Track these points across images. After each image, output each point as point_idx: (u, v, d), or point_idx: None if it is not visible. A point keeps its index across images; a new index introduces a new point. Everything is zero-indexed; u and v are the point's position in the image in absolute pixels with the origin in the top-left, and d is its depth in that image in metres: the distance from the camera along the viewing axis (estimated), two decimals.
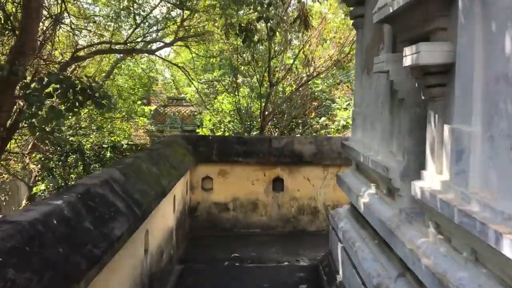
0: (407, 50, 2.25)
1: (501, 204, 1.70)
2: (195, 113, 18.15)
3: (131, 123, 16.04)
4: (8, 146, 9.35)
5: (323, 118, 15.52)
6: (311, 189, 6.79)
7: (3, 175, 13.03)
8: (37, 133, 5.99)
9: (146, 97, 19.56)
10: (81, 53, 10.67)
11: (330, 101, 16.48)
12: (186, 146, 6.64)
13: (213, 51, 14.24)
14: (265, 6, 7.58)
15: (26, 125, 6.40)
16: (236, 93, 14.02)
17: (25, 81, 6.13)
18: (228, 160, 6.76)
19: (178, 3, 10.92)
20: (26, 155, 12.19)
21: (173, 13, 12.62)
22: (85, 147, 13.42)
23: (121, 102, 14.80)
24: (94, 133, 14.01)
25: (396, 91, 2.83)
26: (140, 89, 16.89)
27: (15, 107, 7.61)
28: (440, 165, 2.25)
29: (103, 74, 13.79)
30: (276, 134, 14.55)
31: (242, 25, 8.00)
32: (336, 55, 12.96)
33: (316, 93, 15.60)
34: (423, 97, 2.40)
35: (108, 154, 13.66)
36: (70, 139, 12.76)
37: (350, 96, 17.02)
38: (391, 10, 2.47)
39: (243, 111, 14.25)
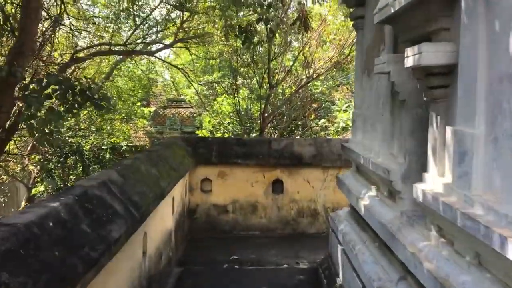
0: (409, 51, 2.22)
1: (505, 207, 1.67)
2: (195, 114, 18.12)
3: (131, 125, 15.99)
4: (7, 147, 9.32)
5: (322, 120, 15.51)
6: (311, 191, 6.76)
7: (2, 176, 12.98)
8: (36, 135, 5.96)
9: (145, 98, 19.54)
10: (81, 55, 10.64)
11: (329, 103, 16.47)
12: (186, 147, 6.60)
13: (213, 52, 14.22)
14: (265, 7, 7.57)
15: (25, 126, 6.37)
16: (236, 95, 14.00)
17: (24, 82, 6.10)
18: (227, 162, 6.72)
19: (177, 4, 10.90)
20: (25, 156, 12.15)
21: (173, 15, 12.60)
22: (85, 148, 13.40)
23: (121, 103, 14.77)
24: (94, 134, 13.97)
25: (397, 93, 2.80)
26: (140, 91, 16.86)
27: (14, 108, 7.59)
28: (442, 167, 2.22)
29: (103, 76, 13.76)
30: (275, 136, 14.52)
31: (242, 26, 7.98)
32: (336, 57, 12.94)
33: (315, 95, 15.58)
34: (425, 99, 2.37)
35: (108, 156, 13.63)
36: (69, 140, 12.73)
37: (350, 98, 17.01)
38: (392, 11, 2.44)
39: (243, 112, 14.23)
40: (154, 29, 12.72)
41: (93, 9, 13.19)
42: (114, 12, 11.99)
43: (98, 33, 12.02)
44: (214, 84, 16.22)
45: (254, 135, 13.99)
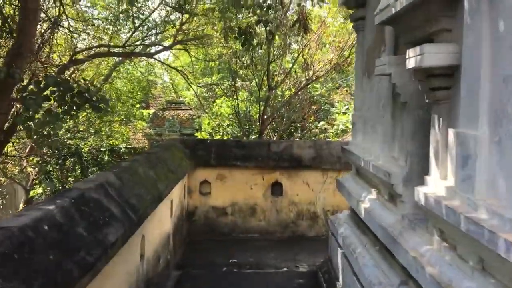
0: (411, 52, 2.19)
1: (510, 212, 1.63)
2: (194, 116, 18.12)
3: (130, 127, 15.97)
4: (5, 149, 9.28)
5: (322, 122, 15.49)
6: (310, 194, 6.72)
7: (0, 178, 12.94)
8: (34, 137, 5.92)
9: (145, 100, 19.51)
10: (80, 56, 10.61)
11: (329, 105, 16.47)
12: (184, 150, 6.56)
13: (212, 54, 14.20)
14: (265, 9, 7.54)
15: (23, 128, 6.33)
16: (235, 97, 13.98)
17: (23, 84, 6.07)
18: (226, 164, 6.68)
19: (177, 6, 10.88)
20: (23, 158, 12.11)
21: (172, 17, 12.59)
22: (83, 150, 13.37)
23: (120, 105, 14.74)
24: (92, 136, 13.94)
25: (398, 94, 2.76)
26: (139, 93, 16.84)
27: (12, 110, 7.55)
28: (445, 170, 2.18)
29: (102, 77, 13.73)
30: (275, 138, 14.49)
31: (241, 28, 7.95)
32: (336, 59, 12.93)
33: (315, 97, 15.56)
34: (426, 100, 2.33)
35: (106, 158, 13.62)
36: (68, 142, 12.69)
37: (349, 100, 17.01)
38: (393, 11, 2.40)
39: (242, 115, 14.20)
40: (153, 31, 12.70)
41: (92, 11, 13.15)
42: (113, 13, 11.96)
43: (97, 35, 11.99)
44: (213, 86, 16.19)
45: (253, 137, 13.96)
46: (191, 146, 6.75)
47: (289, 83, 14.19)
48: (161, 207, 4.37)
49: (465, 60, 1.96)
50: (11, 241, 2.00)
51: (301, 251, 6.01)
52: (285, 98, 14.05)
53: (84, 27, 11.47)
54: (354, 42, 12.28)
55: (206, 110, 15.75)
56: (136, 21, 11.70)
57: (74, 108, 5.61)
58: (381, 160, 3.23)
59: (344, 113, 15.38)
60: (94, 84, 9.08)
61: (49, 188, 13.13)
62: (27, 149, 12.02)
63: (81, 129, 13.50)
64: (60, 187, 12.79)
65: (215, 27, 11.33)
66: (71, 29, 9.99)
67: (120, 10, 11.32)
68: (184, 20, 12.14)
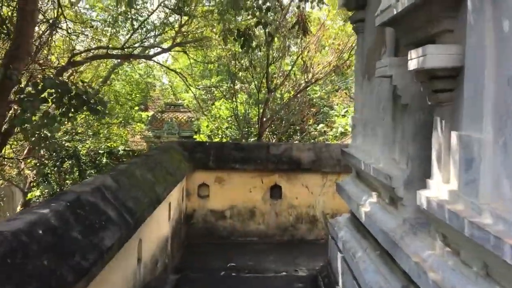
0: (413, 53, 2.14)
1: None
2: (193, 119, 18.07)
3: (128, 129, 15.91)
4: (3, 151, 9.22)
5: (321, 125, 15.46)
6: (310, 197, 6.67)
7: None
8: (31, 139, 5.87)
9: (143, 102, 19.47)
10: (78, 58, 10.57)
11: (328, 108, 16.44)
12: (183, 152, 6.52)
13: (211, 57, 14.17)
14: (264, 11, 7.52)
15: (19, 130, 6.29)
16: (234, 99, 13.94)
17: (20, 85, 6.03)
18: (225, 166, 6.64)
19: (176, 8, 10.85)
20: (21, 160, 12.04)
21: (171, 19, 12.55)
22: (81, 152, 13.31)
23: (118, 107, 14.69)
24: (91, 138, 13.88)
25: (399, 96, 2.72)
26: (138, 95, 16.80)
27: (10, 111, 7.50)
28: (447, 173, 2.14)
29: (100, 80, 13.68)
30: (274, 141, 14.45)
31: (240, 30, 7.92)
32: (335, 61, 12.90)
33: (314, 100, 15.54)
34: (429, 102, 2.29)
35: (104, 160, 13.56)
36: (66, 144, 12.64)
37: (348, 103, 16.98)
38: (395, 12, 2.37)
39: (241, 117, 14.16)
40: (152, 33, 12.66)
41: (90, 13, 13.11)
42: (111, 15, 11.93)
43: (96, 37, 11.95)
44: (212, 88, 16.16)
45: (252, 139, 13.92)
46: (190, 148, 6.70)
47: (288, 86, 14.16)
48: (159, 210, 4.32)
49: (469, 61, 1.92)
50: (4, 246, 1.96)
51: (301, 255, 5.96)
52: (284, 100, 14.02)
53: (83, 29, 11.44)
54: (353, 45, 12.26)
55: (205, 113, 15.71)
56: (134, 23, 11.67)
57: (72, 110, 5.58)
58: (381, 163, 3.19)
59: (343, 115, 15.35)
60: (93, 86, 9.05)
61: (46, 190, 13.06)
62: (25, 152, 11.96)
63: (79, 131, 13.45)
64: (58, 190, 12.72)
65: (214, 29, 11.29)
66: (69, 31, 9.95)
67: (119, 12, 11.29)
68: (183, 22, 12.10)
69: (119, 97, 14.94)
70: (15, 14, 6.95)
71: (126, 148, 15.51)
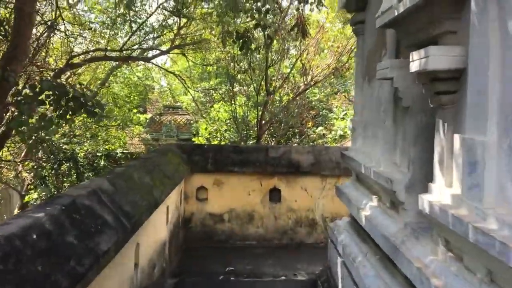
0: (415, 55, 2.11)
1: None
2: (191, 121, 18.03)
3: (126, 132, 15.86)
4: (0, 153, 9.17)
5: (320, 128, 15.43)
6: (309, 200, 6.62)
7: None
8: (27, 141, 5.82)
9: (142, 105, 19.43)
10: (76, 60, 10.53)
11: (327, 111, 16.42)
12: (181, 155, 6.47)
13: (210, 59, 14.14)
14: (263, 13, 7.49)
15: (15, 132, 6.24)
16: (233, 102, 13.90)
17: (18, 88, 5.98)
18: (223, 169, 6.58)
19: (174, 10, 10.82)
20: (18, 163, 11.99)
21: (170, 21, 12.53)
22: (79, 155, 13.24)
23: (117, 110, 14.65)
24: (88, 141, 13.82)
25: (400, 99, 2.68)
26: (136, 97, 16.76)
27: (8, 114, 7.45)
28: (450, 177, 2.10)
29: (99, 82, 13.64)
30: (272, 144, 14.41)
31: (239, 32, 7.89)
32: (334, 64, 12.88)
33: (313, 103, 15.51)
34: (431, 105, 2.25)
35: (102, 163, 13.50)
36: (63, 147, 12.58)
37: (347, 105, 16.96)
38: (396, 14, 2.33)
39: (240, 120, 14.12)
40: (151, 35, 12.64)
41: (89, 15, 13.09)
42: (110, 17, 11.89)
43: (94, 39, 11.92)
44: (211, 91, 16.13)
45: (251, 142, 13.88)
46: (188, 151, 6.65)
47: (287, 88, 14.13)
48: (156, 213, 4.27)
49: (472, 63, 1.89)
50: None
51: (300, 259, 5.90)
52: (283, 103, 13.98)
53: (81, 31, 11.40)
54: (352, 47, 12.26)
55: (204, 115, 15.67)
56: (133, 25, 11.64)
57: (69, 112, 5.53)
58: (382, 166, 3.15)
59: (342, 118, 15.32)
60: (91, 88, 8.99)
61: (44, 193, 12.99)
62: (23, 154, 11.90)
63: (77, 133, 13.40)
64: (56, 192, 12.66)
65: (213, 32, 11.27)
66: (67, 33, 9.91)
67: (117, 14, 11.25)
68: (181, 25, 12.08)
69: (118, 100, 14.90)
70: (12, 16, 6.90)
71: (124, 151, 15.46)
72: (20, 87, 6.19)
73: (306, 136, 15.41)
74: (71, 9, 11.05)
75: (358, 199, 3.67)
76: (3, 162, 10.97)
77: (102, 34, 12.13)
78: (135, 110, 17.10)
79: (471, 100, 1.89)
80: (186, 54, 13.02)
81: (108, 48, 11.55)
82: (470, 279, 1.88)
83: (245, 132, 14.50)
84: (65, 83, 6.75)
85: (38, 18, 8.15)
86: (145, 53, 12.85)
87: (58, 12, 8.31)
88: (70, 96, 5.38)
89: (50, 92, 5.35)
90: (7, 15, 7.62)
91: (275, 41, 11.06)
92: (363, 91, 3.94)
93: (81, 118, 11.81)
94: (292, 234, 6.64)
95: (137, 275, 3.76)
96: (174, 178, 5.37)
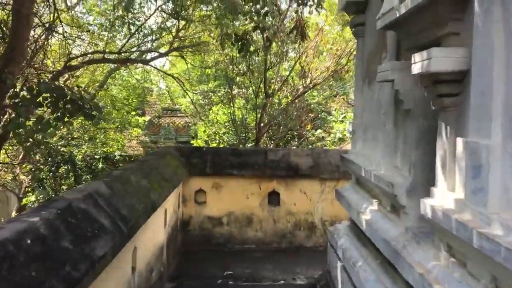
0: (417, 57, 2.07)
1: None
2: (190, 124, 18.00)
3: (125, 134, 15.81)
4: None
5: (319, 131, 15.40)
6: (308, 204, 6.58)
7: None
8: (24, 144, 5.78)
9: (140, 107, 19.38)
10: (74, 63, 10.48)
11: (326, 114, 16.39)
12: (179, 157, 6.42)
13: (209, 61, 14.11)
14: (262, 16, 7.46)
15: (12, 135, 6.19)
16: (232, 104, 13.86)
17: (15, 90, 5.93)
18: (222, 172, 6.54)
19: (173, 13, 10.79)
20: (16, 165, 11.92)
21: (168, 23, 12.50)
22: (77, 158, 13.19)
23: (115, 112, 14.60)
24: (87, 143, 13.76)
25: (401, 101, 2.64)
26: (134, 100, 16.72)
27: (5, 116, 7.40)
28: (453, 181, 2.06)
29: (97, 84, 13.60)
30: (271, 146, 14.37)
31: (238, 35, 7.87)
32: (333, 67, 12.86)
33: (312, 105, 15.48)
34: (433, 108, 2.21)
35: (100, 165, 13.44)
36: (61, 149, 12.52)
37: (346, 108, 16.94)
38: (397, 15, 2.30)
39: (238, 122, 14.08)
40: (149, 38, 12.60)
41: (87, 17, 13.04)
42: (108, 20, 11.86)
43: (92, 41, 11.87)
44: (210, 93, 16.09)
45: (249, 145, 13.83)
46: (187, 154, 6.61)
47: (286, 91, 14.09)
48: (154, 217, 4.23)
49: (476, 64, 1.85)
50: None
51: (299, 263, 5.86)
52: (282, 106, 13.94)
53: (79, 33, 11.36)
54: (351, 50, 12.24)
55: (202, 118, 15.63)
56: (131, 27, 11.60)
57: (67, 115, 5.48)
58: (382, 170, 3.11)
59: (341, 121, 15.30)
60: (89, 91, 8.96)
61: (42, 196, 12.93)
62: (20, 157, 11.84)
63: (75, 136, 13.34)
64: (53, 195, 12.59)
65: (212, 34, 11.24)
66: (65, 35, 9.86)
67: (116, 16, 11.22)
68: (180, 27, 12.05)
69: (116, 102, 14.85)
70: (10, 18, 6.86)
71: (123, 153, 15.40)
72: (17, 89, 6.15)
73: (305, 139, 15.37)
74: (69, 11, 11.02)
75: (358, 202, 3.63)
76: (0, 164, 10.91)
77: (101, 37, 12.08)
78: (133, 113, 17.05)
79: (475, 101, 1.85)
80: (184, 57, 12.98)
81: (107, 50, 11.49)
82: (474, 285, 1.84)
83: (244, 134, 14.45)
84: (63, 85, 6.70)
85: (36, 20, 8.10)
86: (144, 56, 12.82)
87: (56, 14, 8.26)
88: (67, 98, 5.34)
89: (48, 95, 5.30)
90: (5, 16, 7.58)
91: (274, 44, 11.04)
92: (363, 94, 3.91)
93: (79, 120, 11.77)
94: (291, 238, 6.59)
95: (135, 279, 3.71)
96: (172, 181, 5.32)
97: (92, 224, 2.74)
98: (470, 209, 1.82)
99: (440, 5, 1.99)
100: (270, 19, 8.29)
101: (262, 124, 13.09)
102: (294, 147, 14.28)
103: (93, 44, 11.87)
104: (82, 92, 5.83)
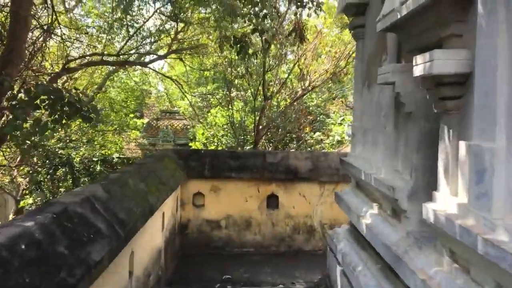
0: (419, 59, 2.04)
1: None
2: (188, 126, 17.95)
3: (123, 136, 15.74)
4: None
5: (317, 133, 15.37)
6: (307, 207, 6.54)
7: None
8: (21, 146, 5.74)
9: (139, 110, 19.32)
10: (73, 65, 10.44)
11: (324, 116, 16.37)
12: (177, 160, 6.38)
13: (207, 64, 14.07)
14: (261, 18, 7.44)
15: (9, 137, 6.14)
16: (230, 107, 13.82)
17: (13, 92, 5.89)
18: (220, 175, 6.50)
19: (172, 15, 10.76)
20: (14, 168, 11.86)
21: (167, 26, 12.45)
22: (75, 160, 13.11)
23: (113, 114, 14.54)
24: (85, 146, 13.69)
25: (402, 104, 2.61)
26: (133, 102, 16.64)
27: (3, 118, 7.35)
28: (455, 185, 2.02)
29: (95, 86, 13.55)
30: (270, 149, 14.33)
31: (237, 37, 7.84)
32: (332, 69, 12.84)
33: (310, 108, 15.45)
34: (435, 110, 2.18)
35: (98, 168, 13.35)
36: (59, 152, 12.46)
37: (345, 111, 16.93)
38: (398, 16, 2.27)
39: (237, 125, 14.03)
40: (148, 40, 12.56)
41: (85, 19, 13.00)
42: (107, 22, 11.82)
43: (91, 43, 11.83)
44: (208, 96, 16.05)
45: (248, 147, 13.79)
46: (185, 156, 6.57)
47: (285, 93, 14.07)
48: (152, 220, 4.18)
49: (479, 64, 1.82)
50: None
51: (298, 267, 5.82)
52: (281, 108, 13.91)
53: (78, 35, 11.32)
54: (350, 52, 12.22)
55: (201, 120, 15.59)
56: (130, 29, 11.56)
57: (65, 117, 5.44)
58: (383, 173, 3.07)
59: (340, 124, 15.29)
60: (87, 93, 8.91)
61: (39, 198, 12.85)
62: (18, 159, 11.78)
63: (73, 138, 13.27)
64: (51, 197, 12.51)
65: (211, 37, 11.22)
66: (64, 37, 9.82)
67: (114, 18, 11.18)
68: (179, 29, 12.01)
69: (114, 104, 14.79)
70: (8, 20, 6.82)
71: (121, 156, 15.33)
72: (15, 92, 6.11)
73: (304, 141, 15.34)
74: (67, 13, 10.99)
75: (358, 206, 3.59)
76: None
77: (99, 39, 12.04)
78: (132, 115, 16.99)
79: (478, 102, 1.82)
80: (183, 59, 12.95)
81: (105, 52, 11.46)
82: None
83: (242, 137, 14.41)
84: (61, 87, 6.66)
85: (34, 22, 8.06)
86: (142, 58, 12.77)
87: (54, 16, 8.22)
88: (65, 101, 5.30)
89: (46, 97, 5.27)
90: (3, 18, 7.53)
91: (272, 46, 11.02)
92: (363, 96, 3.87)
93: (78, 122, 11.70)
94: (290, 241, 6.55)
95: (132, 284, 3.67)
96: (170, 184, 5.28)
97: (88, 228, 2.69)
98: (473, 214, 1.79)
99: (444, 5, 1.96)
100: (269, 21, 8.27)
101: (260, 127, 13.05)
102: (293, 150, 14.25)
103: (92, 46, 11.83)
104: (80, 95, 5.80)
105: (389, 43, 3.05)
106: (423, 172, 2.54)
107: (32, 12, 7.00)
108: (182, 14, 10.36)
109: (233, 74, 12.93)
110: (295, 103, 13.99)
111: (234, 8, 7.44)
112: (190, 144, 16.54)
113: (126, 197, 3.61)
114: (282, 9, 11.33)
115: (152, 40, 12.70)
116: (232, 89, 13.88)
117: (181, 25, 11.61)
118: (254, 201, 6.54)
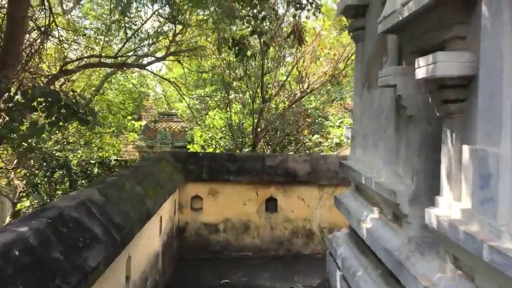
0: (421, 61, 2.00)
1: None
2: (186, 129, 17.90)
3: (121, 139, 15.68)
4: None
5: (316, 136, 15.32)
6: (306, 210, 6.49)
7: None
8: (17, 149, 5.68)
9: (136, 112, 19.26)
10: (70, 67, 10.39)
11: (323, 119, 16.33)
12: (175, 163, 6.32)
13: (205, 66, 14.04)
14: (259, 20, 7.41)
15: (5, 140, 6.08)
16: (228, 109, 13.77)
17: (10, 94, 5.84)
18: (219, 178, 6.44)
19: (170, 17, 10.73)
20: (10, 170, 11.78)
21: (165, 28, 12.43)
22: (72, 162, 13.05)
23: (111, 117, 14.48)
24: (82, 148, 13.63)
25: (403, 107, 2.57)
26: (131, 104, 16.60)
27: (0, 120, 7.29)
28: (459, 190, 1.98)
29: (93, 88, 13.50)
30: (268, 151, 14.28)
31: (235, 39, 7.81)
32: (331, 71, 12.81)
33: (309, 110, 15.41)
34: (437, 114, 2.14)
35: (96, 170, 13.30)
36: (56, 154, 12.39)
37: (344, 113, 16.90)
38: (400, 18, 2.23)
39: (235, 127, 13.98)
40: (146, 42, 12.52)
41: (83, 21, 12.96)
42: (105, 24, 11.78)
43: (89, 45, 11.79)
44: (206, 98, 16.00)
45: (246, 150, 13.74)
46: (183, 159, 6.51)
47: (283, 96, 14.02)
48: (149, 224, 4.13)
49: (484, 66, 1.78)
50: None
51: (297, 271, 5.76)
52: (279, 110, 13.86)
53: (75, 37, 11.27)
54: (349, 55, 12.19)
55: (199, 122, 15.54)
56: (128, 31, 11.53)
57: (62, 120, 5.39)
58: (383, 177, 3.03)
59: (339, 126, 15.25)
60: (85, 95, 8.86)
61: (36, 201, 12.78)
62: (15, 161, 11.70)
63: (70, 140, 13.21)
64: (48, 200, 12.44)
65: (209, 39, 11.19)
66: (61, 39, 9.77)
67: (112, 20, 11.15)
68: (177, 31, 11.99)
69: (112, 106, 14.74)
70: (5, 21, 6.77)
71: (119, 158, 15.27)
72: (12, 94, 6.05)
73: (302, 144, 15.29)
74: (65, 15, 10.95)
75: (358, 210, 3.55)
76: None
77: (97, 41, 12.00)
78: (129, 117, 16.93)
79: (483, 104, 1.78)
80: (181, 61, 12.92)
81: (103, 54, 11.41)
82: None
83: (241, 139, 14.35)
84: (58, 90, 6.60)
85: (32, 23, 8.01)
86: (140, 60, 12.74)
87: (52, 18, 8.18)
88: (62, 103, 5.25)
89: (42, 99, 5.22)
90: (0, 20, 7.48)
91: (271, 48, 10.99)
92: (363, 99, 3.84)
93: (75, 125, 11.64)
94: (288, 245, 6.49)
95: None
96: (168, 187, 5.23)
97: (84, 233, 2.64)
98: (478, 220, 1.75)
99: (448, 5, 1.92)
100: (268, 23, 8.25)
101: (259, 129, 13.00)
102: (291, 152, 14.21)
103: (89, 48, 11.79)
104: (77, 97, 5.75)
105: (390, 45, 3.02)
106: (425, 176, 2.50)
107: (29, 14, 6.96)
108: (180, 16, 10.34)
109: (231, 76, 12.88)
110: (293, 106, 13.94)
111: (233, 10, 7.41)
112: (188, 146, 16.47)
113: (122, 201, 3.56)
114: (281, 11, 11.32)
115: (150, 42, 12.68)
116: (230, 91, 13.82)
117: (179, 27, 11.59)
118: (253, 205, 6.49)
